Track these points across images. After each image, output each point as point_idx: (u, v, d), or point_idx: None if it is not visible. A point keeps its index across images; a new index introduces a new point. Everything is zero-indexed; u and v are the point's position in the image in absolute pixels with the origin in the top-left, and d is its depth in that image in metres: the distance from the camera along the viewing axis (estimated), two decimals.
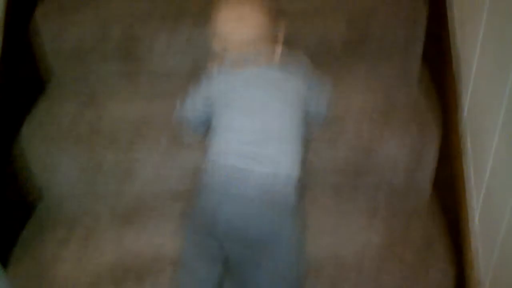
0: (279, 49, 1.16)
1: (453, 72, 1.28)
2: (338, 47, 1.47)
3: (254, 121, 1.11)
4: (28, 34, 1.49)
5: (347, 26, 1.46)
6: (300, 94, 1.15)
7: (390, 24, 1.45)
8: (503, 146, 1.03)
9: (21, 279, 1.28)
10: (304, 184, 1.15)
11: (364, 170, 1.39)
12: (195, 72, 1.25)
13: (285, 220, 1.08)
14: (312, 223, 1.31)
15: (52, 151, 1.40)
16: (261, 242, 1.07)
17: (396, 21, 1.45)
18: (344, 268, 1.24)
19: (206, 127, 1.19)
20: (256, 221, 1.06)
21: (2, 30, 1.42)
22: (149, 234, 1.33)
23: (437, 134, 1.33)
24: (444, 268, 1.23)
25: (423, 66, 1.48)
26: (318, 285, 1.23)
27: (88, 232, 1.35)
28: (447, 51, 1.31)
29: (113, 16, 1.50)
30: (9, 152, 1.39)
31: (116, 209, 1.40)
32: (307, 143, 1.17)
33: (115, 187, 1.44)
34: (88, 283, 1.26)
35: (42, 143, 1.40)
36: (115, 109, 1.43)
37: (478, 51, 1.15)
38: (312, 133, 1.26)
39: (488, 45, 1.11)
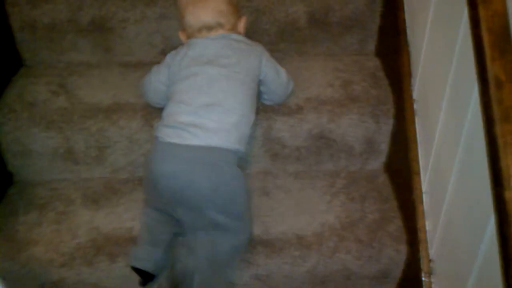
0: (240, 27, 1.35)
1: (407, 54, 1.38)
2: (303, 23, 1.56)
3: (201, 96, 1.23)
4: (2, 15, 1.52)
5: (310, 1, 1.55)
6: (253, 71, 1.28)
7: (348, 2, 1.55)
8: (445, 130, 1.13)
9: None
10: (246, 158, 1.32)
11: (322, 156, 1.48)
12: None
13: (224, 183, 1.21)
14: (275, 206, 1.41)
15: (24, 137, 1.43)
16: (201, 204, 1.21)
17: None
18: (305, 247, 1.33)
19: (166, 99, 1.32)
20: (193, 182, 1.19)
21: None
22: (119, 217, 1.39)
23: (391, 119, 1.43)
24: (397, 246, 1.33)
25: (378, 51, 1.59)
26: (278, 262, 1.32)
27: (60, 216, 1.40)
28: (401, 32, 1.40)
29: (81, 0, 1.54)
30: None
31: (87, 194, 1.45)
32: (253, 119, 1.30)
33: (86, 172, 1.49)
34: (61, 264, 1.31)
35: (13, 129, 1.43)
36: (86, 96, 1.47)
37: (426, 36, 1.25)
38: (259, 107, 1.38)
39: (436, 30, 1.21)
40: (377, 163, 1.49)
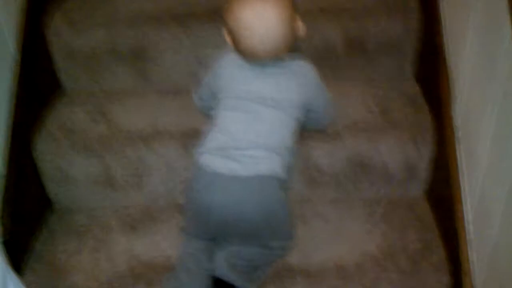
0: (293, 47, 1.21)
1: (447, 79, 1.36)
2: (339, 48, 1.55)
3: (246, 127, 1.20)
4: (43, 43, 1.55)
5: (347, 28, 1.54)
6: (300, 101, 1.23)
7: (386, 26, 1.53)
8: (492, 158, 1.11)
9: None
10: (289, 186, 1.29)
11: (361, 183, 1.46)
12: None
13: (273, 211, 1.20)
14: (314, 234, 1.39)
15: (63, 163, 1.45)
16: (253, 231, 1.20)
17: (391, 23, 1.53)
18: (345, 277, 1.30)
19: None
20: (245, 213, 1.17)
21: (21, 37, 1.46)
22: (157, 244, 1.39)
23: (431, 145, 1.41)
24: (440, 277, 1.30)
25: (416, 76, 1.57)
26: None
27: (99, 243, 1.40)
28: (441, 57, 1.38)
29: (121, 30, 1.56)
30: (22, 162, 1.43)
31: (125, 220, 1.46)
32: (296, 148, 1.28)
33: (124, 199, 1.50)
34: None
35: (54, 156, 1.45)
36: (124, 123, 1.49)
37: (467, 61, 1.23)
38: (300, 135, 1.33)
39: (477, 54, 1.18)
40: (418, 190, 1.46)
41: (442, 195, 1.37)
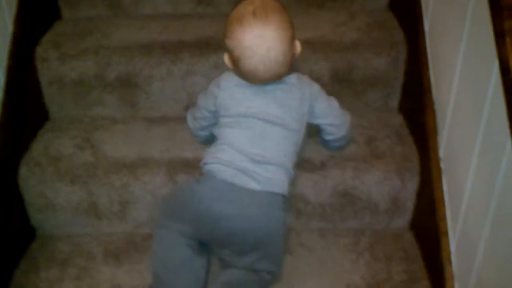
0: (291, 69, 1.24)
1: (432, 111, 1.38)
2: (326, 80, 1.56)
3: (253, 143, 1.21)
4: (30, 70, 1.55)
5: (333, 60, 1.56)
6: (302, 110, 1.26)
7: (371, 59, 1.55)
8: (475, 190, 1.12)
9: None
10: (290, 201, 1.33)
11: (346, 213, 1.46)
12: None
13: (275, 228, 1.22)
14: (299, 264, 1.39)
15: (48, 192, 1.44)
16: (253, 245, 1.21)
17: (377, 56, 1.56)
18: None
19: (210, 132, 1.33)
20: (253, 226, 1.19)
21: (6, 65, 1.47)
22: (141, 274, 1.37)
23: (416, 177, 1.41)
24: None
25: (401, 108, 1.60)
26: None
27: (81, 271, 1.38)
28: (426, 90, 1.40)
29: (110, 57, 1.57)
30: (6, 190, 1.42)
31: (109, 249, 1.44)
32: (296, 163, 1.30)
33: (108, 227, 1.49)
34: None
35: (38, 183, 1.44)
36: (111, 151, 1.48)
37: (453, 95, 1.25)
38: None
39: (463, 88, 1.20)
40: (403, 221, 1.47)
41: (427, 226, 1.37)
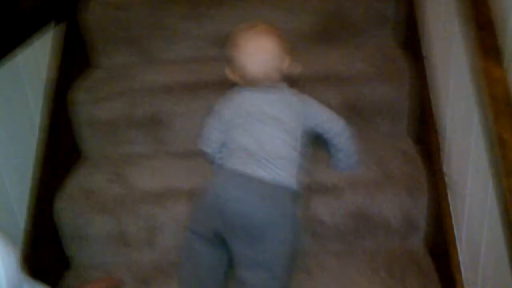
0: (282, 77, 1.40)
1: (435, 134, 1.45)
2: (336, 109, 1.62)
3: (257, 140, 1.33)
4: (65, 113, 1.71)
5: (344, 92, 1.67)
6: (297, 117, 1.38)
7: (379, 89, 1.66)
8: (473, 201, 1.18)
9: None
10: (299, 194, 1.37)
11: (362, 235, 1.53)
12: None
13: (282, 214, 1.29)
14: (316, 284, 1.45)
15: (81, 222, 1.56)
16: (260, 231, 1.27)
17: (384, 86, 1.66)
18: None
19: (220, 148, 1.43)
20: (259, 212, 1.27)
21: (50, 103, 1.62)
22: None
23: (426, 196, 1.48)
24: None
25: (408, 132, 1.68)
26: None
27: None
28: (428, 111, 1.49)
29: (137, 99, 1.71)
30: (43, 221, 1.54)
31: (138, 276, 1.54)
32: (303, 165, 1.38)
33: (137, 255, 1.58)
34: None
35: (73, 215, 1.56)
36: (139, 184, 1.60)
37: (449, 113, 1.33)
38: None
39: (456, 107, 1.28)
40: (416, 239, 1.52)
41: (437, 239, 1.43)
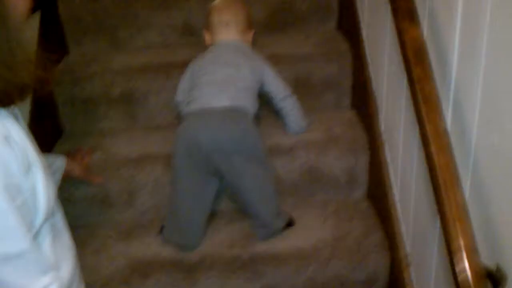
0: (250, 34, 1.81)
1: (373, 102, 1.74)
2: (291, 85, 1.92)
3: (220, 75, 1.66)
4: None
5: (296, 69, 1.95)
6: (256, 74, 1.72)
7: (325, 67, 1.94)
8: (405, 151, 1.47)
9: None
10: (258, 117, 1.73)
11: (314, 190, 1.79)
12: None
13: (248, 133, 1.60)
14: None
15: (67, 188, 1.75)
16: (236, 151, 1.57)
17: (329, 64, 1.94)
18: (304, 257, 1.60)
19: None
20: (228, 133, 1.58)
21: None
22: (148, 245, 1.67)
23: (367, 155, 1.76)
24: (381, 252, 1.61)
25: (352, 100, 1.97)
26: (284, 272, 1.58)
27: (99, 247, 1.68)
28: (368, 84, 1.78)
29: (113, 77, 1.93)
30: None
31: (120, 231, 1.74)
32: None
33: (119, 215, 1.79)
34: (102, 284, 1.57)
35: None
36: (119, 151, 1.81)
37: (385, 85, 1.62)
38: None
39: (391, 79, 1.57)
40: (360, 189, 1.80)
41: (378, 187, 1.71)
